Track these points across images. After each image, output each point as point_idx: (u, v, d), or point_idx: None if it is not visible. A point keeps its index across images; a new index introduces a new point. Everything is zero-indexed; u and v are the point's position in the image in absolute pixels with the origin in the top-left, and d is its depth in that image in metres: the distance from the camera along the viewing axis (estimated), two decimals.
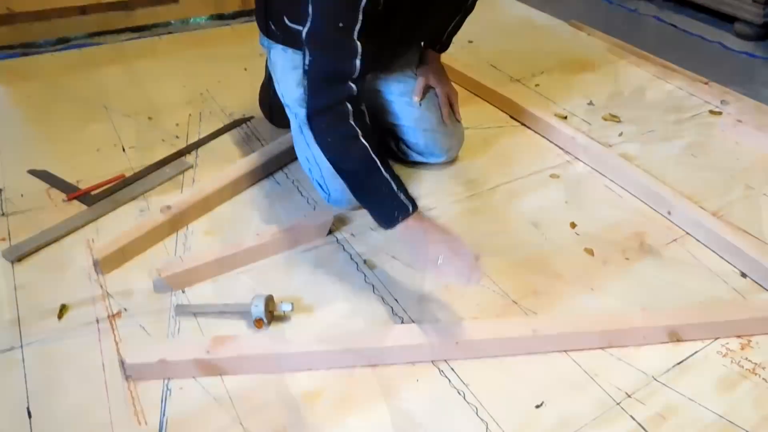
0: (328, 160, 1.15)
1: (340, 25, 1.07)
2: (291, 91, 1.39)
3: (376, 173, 1.09)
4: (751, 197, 1.53)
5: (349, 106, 1.10)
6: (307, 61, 1.10)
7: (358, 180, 1.12)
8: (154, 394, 1.00)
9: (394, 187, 1.08)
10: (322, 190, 1.38)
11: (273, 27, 1.40)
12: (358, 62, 1.09)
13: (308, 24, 1.09)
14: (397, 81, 1.50)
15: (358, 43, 1.08)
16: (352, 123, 1.09)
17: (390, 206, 1.08)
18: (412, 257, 1.09)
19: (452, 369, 1.06)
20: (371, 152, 1.09)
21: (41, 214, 1.36)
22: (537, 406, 1.01)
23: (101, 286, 1.19)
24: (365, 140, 1.10)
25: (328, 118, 1.11)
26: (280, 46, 1.42)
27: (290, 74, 1.39)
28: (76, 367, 1.04)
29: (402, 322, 1.15)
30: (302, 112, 1.13)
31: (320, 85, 1.11)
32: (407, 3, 1.20)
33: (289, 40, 1.39)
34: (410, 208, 1.07)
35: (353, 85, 1.10)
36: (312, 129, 1.14)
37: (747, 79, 2.20)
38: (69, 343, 1.08)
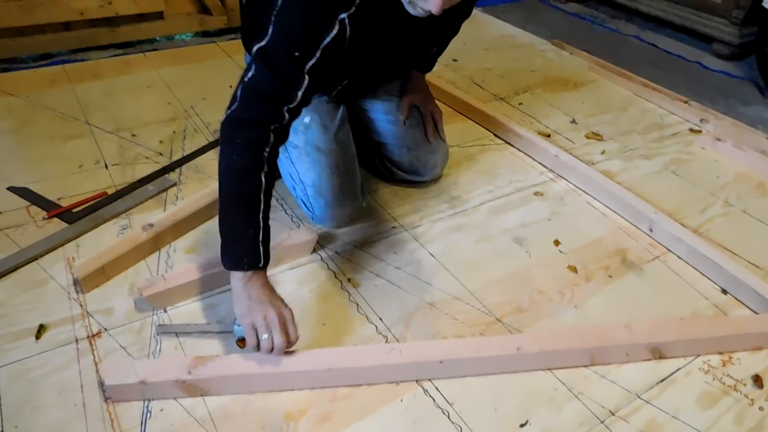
0: (220, 167, 1.07)
1: (296, 54, 1.05)
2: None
3: (253, 214, 1.04)
4: (730, 214, 1.56)
5: (271, 135, 1.06)
6: (249, 74, 1.06)
7: (233, 208, 1.06)
8: (134, 415, 0.98)
9: (260, 237, 1.04)
10: (306, 208, 1.38)
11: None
12: (299, 94, 1.06)
13: (264, 41, 1.06)
14: (382, 100, 1.51)
15: (306, 77, 1.06)
16: (264, 154, 1.05)
17: (244, 251, 1.03)
18: (236, 308, 1.04)
19: (436, 388, 1.06)
20: (261, 192, 1.05)
21: (21, 232, 1.34)
22: (521, 425, 1.00)
23: (81, 305, 1.17)
24: (264, 178, 1.05)
25: (244, 134, 1.05)
26: None
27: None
28: (53, 388, 1.02)
29: (386, 341, 1.14)
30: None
31: (253, 99, 1.06)
32: (385, 41, 1.19)
33: None
34: (261, 263, 1.03)
35: (285, 114, 1.07)
36: (223, 133, 1.07)
37: (725, 98, 2.24)
38: (46, 364, 1.06)
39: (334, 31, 1.04)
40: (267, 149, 1.06)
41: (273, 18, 1.06)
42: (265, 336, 0.99)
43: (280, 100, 1.06)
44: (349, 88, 1.36)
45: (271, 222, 1.38)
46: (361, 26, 1.07)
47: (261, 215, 1.05)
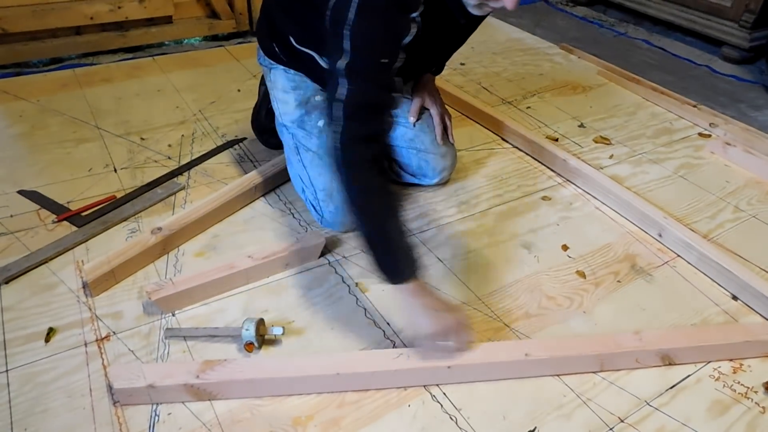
0: (348, 193, 1.05)
1: (383, 61, 1.09)
2: (290, 112, 1.40)
3: (396, 221, 1.04)
4: (741, 219, 1.55)
5: (379, 140, 1.11)
6: (342, 91, 1.06)
7: (376, 224, 1.04)
8: (142, 419, 0.98)
9: (409, 242, 1.03)
10: (316, 212, 1.38)
11: (277, 48, 1.40)
12: (394, 96, 1.14)
13: (347, 58, 1.06)
14: None
15: (394, 78, 1.12)
16: (385, 163, 1.11)
17: (403, 260, 1.02)
18: (413, 322, 1.04)
19: (444, 394, 1.05)
20: (394, 198, 1.07)
21: (31, 235, 1.35)
22: (530, 431, 1.00)
23: (90, 309, 1.18)
24: (391, 190, 1.09)
25: (370, 150, 1.06)
26: (281, 67, 1.42)
27: (291, 95, 1.40)
28: (62, 392, 1.02)
29: (394, 346, 1.14)
30: (330, 137, 1.07)
31: (362, 113, 1.07)
32: (428, 42, 1.22)
33: (294, 62, 1.40)
34: (418, 269, 1.02)
35: (389, 118, 1.13)
36: (344, 156, 1.06)
37: (734, 102, 2.23)
38: (56, 367, 1.06)
39: (413, 31, 1.10)
40: (379, 166, 1.09)
41: (347, 32, 1.05)
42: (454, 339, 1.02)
43: (383, 105, 1.12)
44: None
45: (278, 226, 1.39)
46: (424, 24, 1.12)
47: (402, 231, 1.05)
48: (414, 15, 1.09)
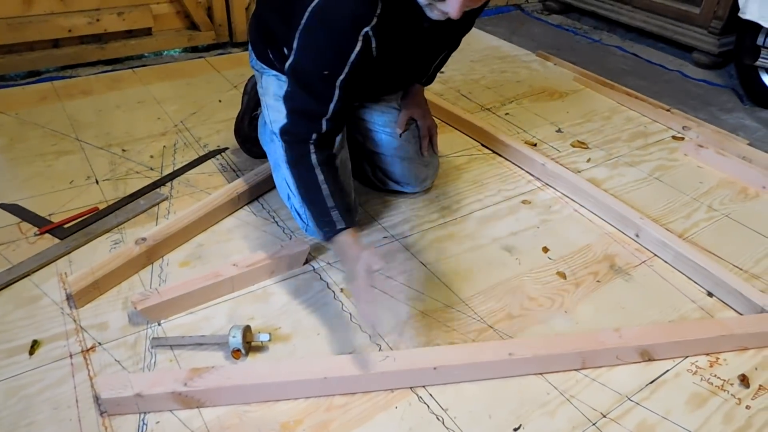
0: (289, 174, 1.22)
1: (325, 72, 1.10)
2: (280, 120, 1.40)
3: (320, 198, 1.15)
4: (714, 219, 1.59)
5: (312, 144, 1.16)
6: (288, 90, 1.17)
7: (303, 195, 1.19)
8: (131, 428, 0.98)
9: (330, 203, 1.14)
10: (301, 219, 1.39)
11: (271, 55, 1.41)
12: (332, 106, 1.14)
13: (292, 58, 1.12)
14: (381, 112, 1.52)
15: (338, 90, 1.12)
16: (312, 160, 1.16)
17: (325, 222, 1.14)
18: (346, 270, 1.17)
19: (431, 395, 1.07)
20: (320, 182, 1.15)
21: (12, 249, 1.34)
22: (515, 429, 1.02)
23: (75, 321, 1.17)
24: (321, 174, 1.16)
25: (295, 147, 1.18)
26: (273, 73, 1.43)
27: (282, 102, 1.41)
28: (48, 404, 1.02)
29: (380, 350, 1.15)
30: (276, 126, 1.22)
31: (295, 115, 1.18)
32: (401, 51, 1.23)
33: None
34: (342, 226, 1.13)
35: (324, 125, 1.16)
36: (282, 140, 1.21)
37: (706, 106, 2.29)
38: (41, 380, 1.06)
39: (359, 46, 1.09)
40: (313, 155, 1.16)
41: (298, 34, 1.11)
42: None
43: (317, 115, 1.15)
44: (362, 98, 1.39)
45: (262, 234, 1.40)
46: (386, 35, 1.11)
47: (327, 195, 1.15)
48: (365, 30, 1.07)
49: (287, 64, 1.16)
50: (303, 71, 1.13)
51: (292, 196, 1.39)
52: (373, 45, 1.10)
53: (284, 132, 1.19)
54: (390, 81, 1.43)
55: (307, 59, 1.12)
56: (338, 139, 1.32)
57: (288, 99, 1.19)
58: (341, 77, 1.11)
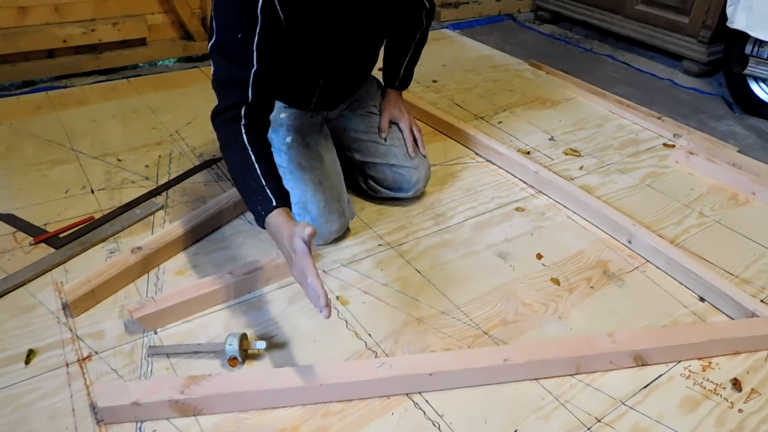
0: (225, 158, 1.20)
1: (239, 36, 1.12)
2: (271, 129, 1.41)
3: (254, 177, 1.13)
4: (705, 224, 1.61)
5: (243, 115, 1.15)
6: (213, 69, 1.17)
7: (237, 178, 1.17)
8: None
9: (264, 183, 1.12)
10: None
11: None
12: (253, 71, 1.14)
13: (213, 38, 1.15)
14: (361, 119, 1.55)
15: (256, 53, 1.13)
16: (242, 134, 1.14)
17: (258, 201, 1.12)
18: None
19: (426, 401, 1.07)
20: (253, 161, 1.13)
21: (8, 258, 1.34)
22: None
23: (71, 330, 1.18)
24: (252, 150, 1.14)
25: (224, 125, 1.17)
26: None
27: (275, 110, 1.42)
28: (44, 413, 1.01)
29: (376, 357, 1.16)
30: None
31: (222, 89, 1.17)
32: (315, 14, 1.23)
33: None
34: (273, 204, 1.11)
35: (249, 91, 1.15)
36: (214, 127, 1.20)
37: (696, 113, 2.32)
38: (37, 389, 1.06)
39: (262, 1, 1.10)
40: (245, 135, 1.14)
41: (213, 13, 1.14)
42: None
43: (241, 82, 1.15)
44: (325, 94, 1.39)
45: (258, 242, 1.41)
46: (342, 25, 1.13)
47: (259, 174, 1.13)
48: None
49: (209, 45, 1.16)
50: (220, 43, 1.14)
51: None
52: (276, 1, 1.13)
53: (215, 114, 1.18)
54: (328, 58, 1.37)
55: (221, 29, 1.14)
56: (322, 134, 1.32)
57: (214, 79, 1.18)
58: (255, 39, 1.12)
